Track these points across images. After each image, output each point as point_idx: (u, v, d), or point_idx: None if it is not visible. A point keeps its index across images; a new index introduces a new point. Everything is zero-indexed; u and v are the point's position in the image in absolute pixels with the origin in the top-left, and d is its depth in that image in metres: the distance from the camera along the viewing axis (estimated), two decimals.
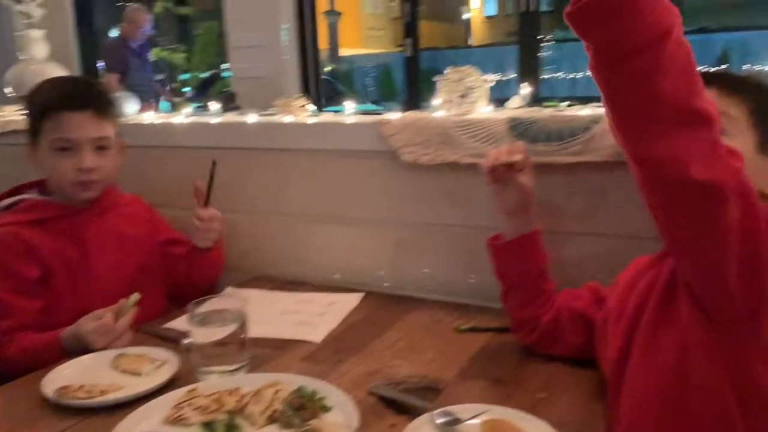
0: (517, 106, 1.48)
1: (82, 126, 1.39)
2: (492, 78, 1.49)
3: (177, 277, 1.58)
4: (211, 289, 1.56)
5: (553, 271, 1.21)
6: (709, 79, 0.93)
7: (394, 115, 1.53)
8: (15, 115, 2.14)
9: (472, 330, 1.32)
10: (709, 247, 0.80)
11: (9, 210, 1.45)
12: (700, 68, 0.83)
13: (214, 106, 1.89)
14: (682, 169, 0.76)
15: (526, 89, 1.53)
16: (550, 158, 1.30)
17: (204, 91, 4.05)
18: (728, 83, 0.94)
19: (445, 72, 1.46)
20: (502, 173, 1.14)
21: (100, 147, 1.41)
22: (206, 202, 1.50)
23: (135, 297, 1.27)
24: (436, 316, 1.41)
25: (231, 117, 1.80)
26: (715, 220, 0.78)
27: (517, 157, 1.13)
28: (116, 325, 1.24)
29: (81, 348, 1.25)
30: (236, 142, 1.73)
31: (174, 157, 1.81)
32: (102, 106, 1.42)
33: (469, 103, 1.45)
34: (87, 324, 1.24)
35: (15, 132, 2.03)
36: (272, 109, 1.74)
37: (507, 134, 1.34)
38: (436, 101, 1.51)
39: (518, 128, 1.33)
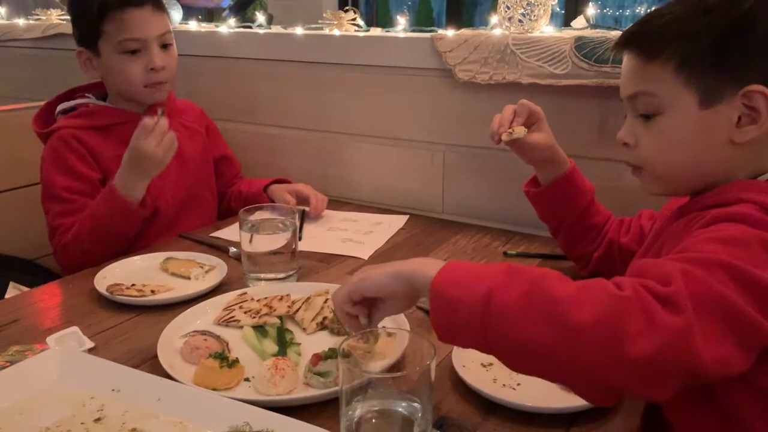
0: (582, 26, 1.41)
1: (146, 23, 1.33)
2: None
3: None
4: None
5: (609, 200, 1.17)
6: (623, 45, 0.85)
7: (449, 31, 1.46)
8: (58, 20, 2.12)
9: (521, 255, 1.29)
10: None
11: (68, 114, 1.42)
12: (616, 30, 0.71)
13: (260, 18, 1.83)
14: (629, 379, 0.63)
15: (591, 10, 1.45)
16: (615, 81, 1.24)
17: (240, 10, 3.94)
18: (644, 46, 0.82)
19: None
20: (512, 144, 1.07)
21: (164, 44, 1.37)
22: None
23: (161, 110, 1.26)
24: (482, 240, 1.39)
25: (278, 29, 1.75)
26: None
27: (518, 134, 1.05)
28: (156, 126, 1.22)
29: (136, 174, 1.25)
30: (283, 54, 1.68)
31: (219, 67, 1.77)
32: None
33: (531, 21, 1.38)
34: (132, 140, 1.23)
35: (60, 35, 2.01)
36: (320, 22, 1.68)
37: (572, 54, 1.27)
38: (494, 18, 1.44)
39: (584, 48, 1.26)
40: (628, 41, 0.85)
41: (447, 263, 0.70)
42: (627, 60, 0.85)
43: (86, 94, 1.46)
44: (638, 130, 0.85)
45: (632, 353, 0.61)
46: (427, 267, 0.70)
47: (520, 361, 0.67)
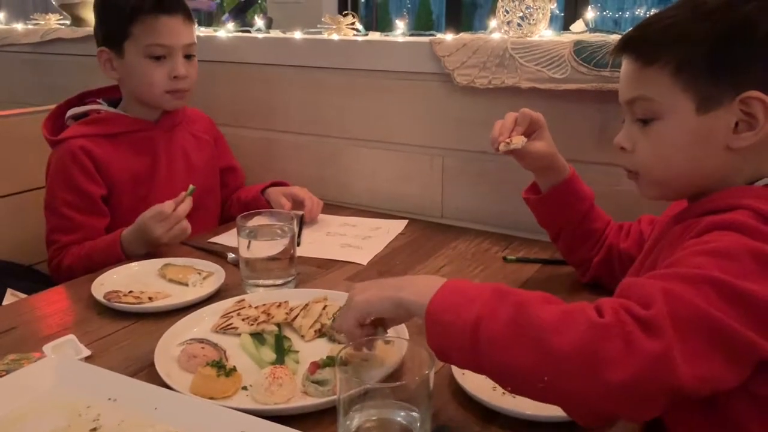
0: (581, 30, 1.40)
1: (175, 31, 1.34)
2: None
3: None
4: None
5: (609, 205, 1.17)
6: (621, 49, 0.84)
7: (448, 36, 1.46)
8: (57, 24, 2.11)
9: (520, 260, 1.29)
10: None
11: (79, 121, 1.42)
12: (615, 34, 0.73)
13: (259, 22, 1.83)
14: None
15: (590, 13, 1.45)
16: (614, 85, 1.23)
17: (240, 14, 3.93)
18: (643, 50, 0.81)
19: None
20: (511, 153, 1.06)
21: (188, 55, 1.38)
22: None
23: (191, 188, 1.26)
24: (482, 245, 1.38)
25: (276, 33, 1.74)
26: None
27: (515, 145, 1.03)
28: (174, 212, 1.23)
29: (141, 243, 1.26)
30: (281, 59, 1.68)
31: (218, 71, 1.77)
32: (188, 9, 1.38)
33: (530, 24, 1.38)
34: (147, 213, 1.24)
35: (59, 40, 2.01)
36: (319, 26, 1.68)
37: (571, 58, 1.27)
38: (492, 22, 1.44)
39: (583, 52, 1.26)
40: (626, 45, 0.84)
41: (442, 286, 0.72)
42: (625, 64, 0.85)
43: (98, 100, 1.46)
44: (636, 135, 0.84)
45: (612, 379, 0.61)
46: (423, 292, 0.72)
47: (511, 384, 0.69)
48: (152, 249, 1.28)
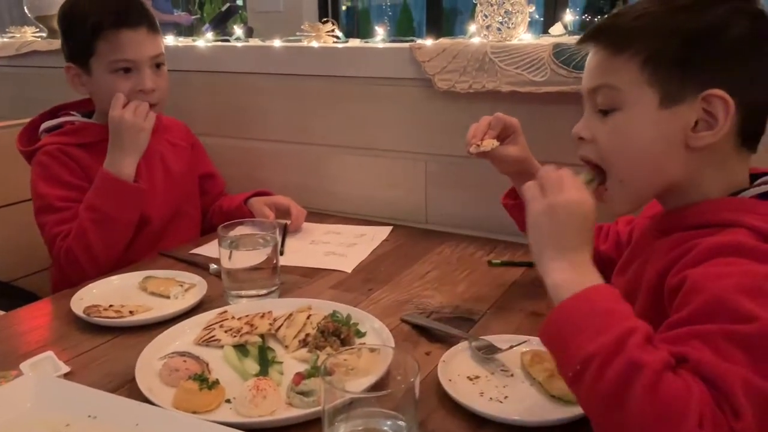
0: (560, 33, 1.41)
1: (140, 44, 1.32)
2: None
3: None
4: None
5: None
6: (592, 36, 0.83)
7: (428, 41, 1.46)
8: (32, 37, 2.09)
9: (505, 264, 1.29)
10: None
11: (53, 132, 1.40)
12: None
13: (238, 31, 1.82)
14: None
15: (568, 16, 1.45)
16: None
17: (220, 24, 3.93)
18: (613, 39, 0.80)
19: None
20: (484, 156, 1.06)
21: (156, 65, 1.36)
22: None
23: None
24: (467, 250, 1.38)
25: (256, 41, 1.73)
26: None
27: (485, 148, 1.04)
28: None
29: (120, 146, 1.30)
30: (260, 67, 1.67)
31: (198, 81, 1.75)
32: (152, 19, 1.36)
33: (509, 28, 1.38)
34: (110, 110, 1.30)
35: (35, 53, 1.98)
36: (298, 34, 1.68)
37: (550, 61, 1.27)
38: (472, 27, 1.44)
39: (563, 54, 1.26)
40: (597, 32, 0.83)
41: (580, 293, 0.68)
42: (593, 53, 0.83)
43: (71, 112, 1.44)
44: (595, 125, 0.82)
45: None
46: (567, 279, 0.70)
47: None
48: (134, 152, 1.31)
